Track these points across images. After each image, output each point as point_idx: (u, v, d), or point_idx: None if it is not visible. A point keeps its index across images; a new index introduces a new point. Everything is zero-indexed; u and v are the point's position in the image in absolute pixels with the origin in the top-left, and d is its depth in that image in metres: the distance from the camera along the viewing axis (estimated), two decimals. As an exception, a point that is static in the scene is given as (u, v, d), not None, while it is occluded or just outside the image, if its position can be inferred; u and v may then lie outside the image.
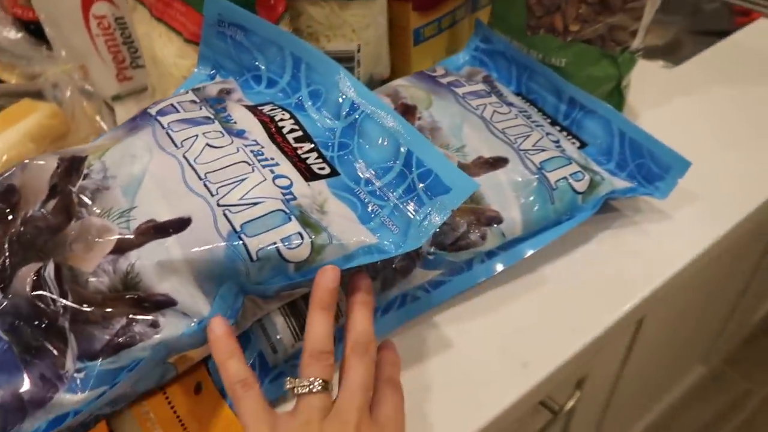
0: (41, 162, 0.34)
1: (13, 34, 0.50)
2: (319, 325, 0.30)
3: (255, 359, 0.35)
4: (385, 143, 0.37)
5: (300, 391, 0.29)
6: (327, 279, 0.31)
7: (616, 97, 0.52)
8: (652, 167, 0.46)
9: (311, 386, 0.29)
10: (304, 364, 0.30)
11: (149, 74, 0.53)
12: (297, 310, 0.35)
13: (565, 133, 0.50)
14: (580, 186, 0.43)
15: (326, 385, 0.29)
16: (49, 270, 0.30)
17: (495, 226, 0.40)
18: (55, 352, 0.29)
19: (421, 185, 0.34)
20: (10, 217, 0.33)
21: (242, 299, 0.32)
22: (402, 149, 0.36)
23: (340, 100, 0.39)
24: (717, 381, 1.12)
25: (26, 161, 0.34)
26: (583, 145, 0.49)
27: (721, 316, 0.93)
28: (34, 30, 0.52)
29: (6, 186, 0.34)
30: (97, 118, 0.51)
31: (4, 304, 0.30)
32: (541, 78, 0.52)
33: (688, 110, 0.58)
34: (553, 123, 0.51)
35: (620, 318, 0.41)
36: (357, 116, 0.38)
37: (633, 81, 0.54)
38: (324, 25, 0.50)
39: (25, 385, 0.28)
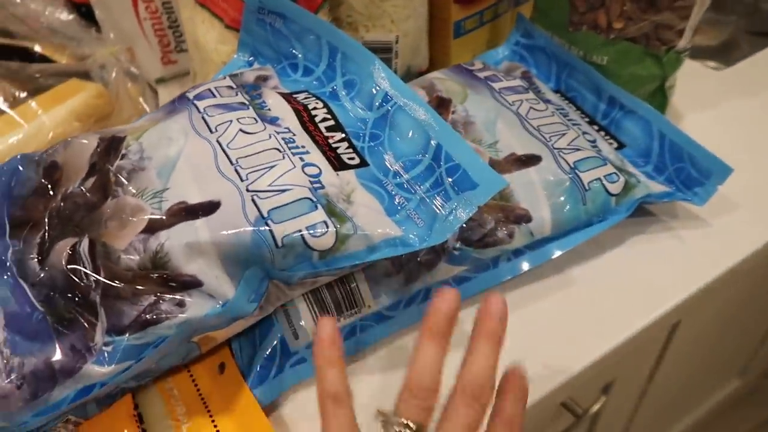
0: (83, 141, 0.36)
1: (65, 16, 0.52)
2: (428, 355, 0.27)
3: (277, 343, 0.36)
4: (416, 136, 0.37)
5: (390, 430, 0.26)
6: (446, 302, 0.27)
7: (659, 97, 0.51)
8: (691, 172, 0.45)
9: (401, 428, 0.26)
10: (401, 398, 0.27)
11: (191, 58, 0.54)
12: (319, 298, 0.36)
13: (602, 133, 0.49)
14: (614, 188, 0.42)
15: (420, 430, 0.26)
16: (84, 245, 0.31)
17: (523, 224, 0.40)
18: (86, 324, 0.30)
19: (449, 180, 0.34)
20: (51, 193, 0.34)
21: (267, 284, 0.33)
22: (432, 143, 0.36)
23: (374, 90, 0.39)
24: (753, 395, 1.08)
25: (69, 139, 0.36)
26: (620, 146, 0.48)
27: (761, 329, 0.90)
28: (85, 12, 0.53)
29: (49, 162, 0.35)
30: (141, 99, 0.52)
31: (42, 275, 0.31)
32: (581, 75, 0.51)
33: (735, 114, 0.56)
34: (591, 122, 0.50)
35: (649, 325, 0.40)
36: (389, 108, 0.38)
37: (679, 81, 0.52)
38: (363, 14, 0.50)
39: (57, 354, 0.29)
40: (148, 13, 0.58)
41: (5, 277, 0.31)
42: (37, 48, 0.51)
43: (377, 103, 0.39)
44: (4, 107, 0.44)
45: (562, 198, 0.41)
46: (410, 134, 0.37)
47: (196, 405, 0.34)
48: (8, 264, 0.31)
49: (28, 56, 0.50)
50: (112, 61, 0.52)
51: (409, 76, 0.55)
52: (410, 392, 0.27)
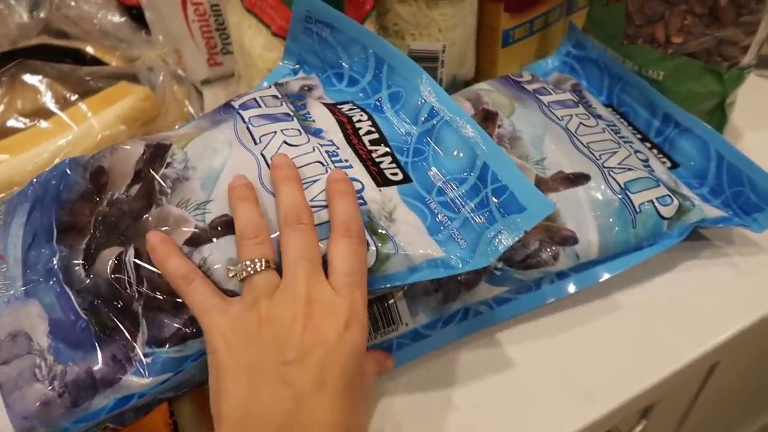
0: (129, 147, 0.36)
1: (117, 18, 0.53)
2: (242, 213, 0.30)
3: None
4: (462, 153, 0.36)
5: (242, 276, 0.29)
6: (236, 179, 0.32)
7: (718, 116, 0.49)
8: (750, 197, 0.42)
9: (250, 267, 0.29)
10: (238, 250, 0.30)
11: (237, 62, 0.54)
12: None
13: (655, 151, 0.47)
14: (667, 211, 0.40)
15: (268, 264, 0.29)
16: (130, 255, 0.31)
17: (569, 246, 0.39)
18: (127, 334, 0.30)
19: (495, 201, 0.33)
20: (97, 198, 0.35)
21: None
22: (478, 162, 0.35)
23: (420, 104, 0.38)
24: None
25: (116, 145, 0.36)
26: (674, 166, 0.46)
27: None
28: (135, 15, 0.54)
29: (96, 167, 0.36)
30: (186, 102, 0.53)
31: (87, 282, 0.31)
32: (634, 90, 0.49)
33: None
34: (644, 139, 0.48)
35: (699, 357, 0.38)
36: (435, 122, 0.37)
37: (739, 96, 0.50)
38: (410, 23, 0.49)
39: (99, 363, 0.29)
40: (196, 16, 0.58)
41: (51, 282, 0.32)
42: (89, 49, 0.51)
43: (423, 118, 0.38)
44: (55, 109, 0.45)
45: (611, 220, 0.40)
46: (456, 151, 0.36)
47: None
48: (55, 269, 0.32)
49: (80, 57, 0.51)
50: (160, 64, 0.52)
51: (454, 85, 0.54)
52: (242, 239, 0.30)
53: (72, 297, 0.31)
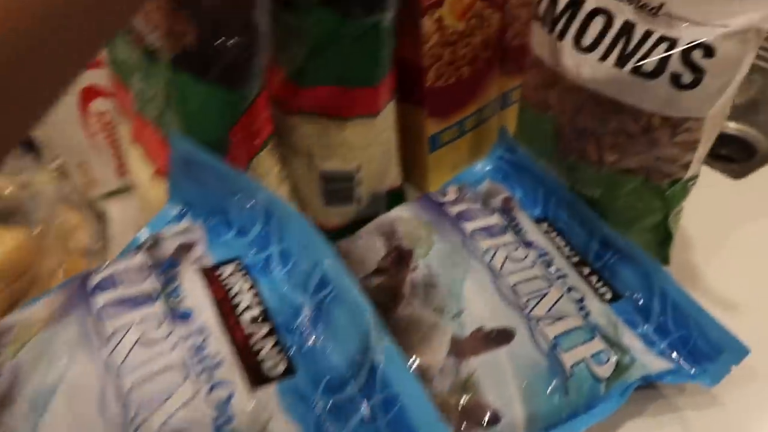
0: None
1: None
2: None
3: None
4: (349, 342, 0.30)
5: None
6: None
7: (662, 231, 0.43)
8: (699, 343, 0.37)
9: None
10: None
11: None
12: None
13: (594, 279, 0.42)
14: (603, 371, 0.35)
15: None
16: None
17: (491, 426, 0.33)
18: None
19: (383, 417, 0.28)
20: None
21: None
22: (368, 358, 0.29)
23: (309, 267, 0.33)
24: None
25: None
26: (615, 297, 0.41)
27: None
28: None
29: None
30: (78, 233, 0.47)
31: None
32: (570, 209, 0.44)
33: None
34: (582, 262, 0.43)
35: None
36: (325, 294, 0.32)
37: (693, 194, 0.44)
38: (319, 144, 0.44)
39: None
40: (99, 126, 0.53)
41: None
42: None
43: (313, 285, 0.33)
44: None
45: (538, 387, 0.34)
46: (343, 337, 0.31)
47: None
48: None
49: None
50: (48, 190, 0.47)
51: (377, 200, 0.49)
52: None
53: None
